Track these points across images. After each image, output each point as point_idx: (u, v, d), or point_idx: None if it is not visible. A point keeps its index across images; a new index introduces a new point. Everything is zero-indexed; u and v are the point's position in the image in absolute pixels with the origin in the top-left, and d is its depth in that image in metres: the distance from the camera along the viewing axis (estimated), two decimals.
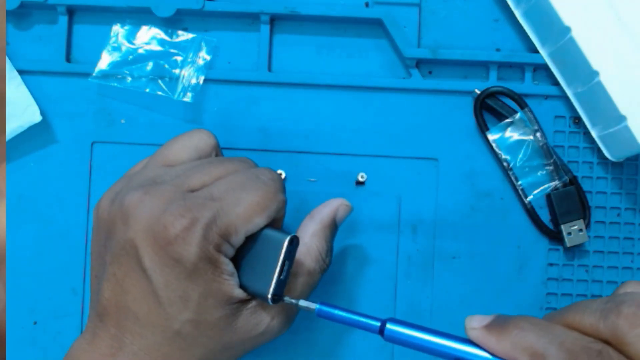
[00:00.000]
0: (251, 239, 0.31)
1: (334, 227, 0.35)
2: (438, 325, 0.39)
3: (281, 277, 0.31)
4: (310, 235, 0.34)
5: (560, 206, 0.39)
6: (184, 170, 0.32)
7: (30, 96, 0.39)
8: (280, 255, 0.31)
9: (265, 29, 0.40)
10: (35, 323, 0.40)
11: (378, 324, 0.30)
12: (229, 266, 0.30)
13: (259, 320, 0.32)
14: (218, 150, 0.35)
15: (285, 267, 0.31)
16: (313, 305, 0.31)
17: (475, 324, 0.28)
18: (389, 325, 0.29)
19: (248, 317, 0.31)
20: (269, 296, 0.31)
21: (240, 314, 0.31)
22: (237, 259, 0.32)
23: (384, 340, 0.30)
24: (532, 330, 0.26)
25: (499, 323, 0.27)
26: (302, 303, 0.31)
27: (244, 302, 0.31)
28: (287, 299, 0.32)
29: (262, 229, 0.32)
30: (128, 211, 0.30)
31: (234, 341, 0.31)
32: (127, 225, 0.30)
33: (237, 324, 0.31)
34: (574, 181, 0.40)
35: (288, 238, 0.31)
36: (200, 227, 0.29)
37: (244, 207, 0.30)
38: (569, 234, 0.39)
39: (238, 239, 0.31)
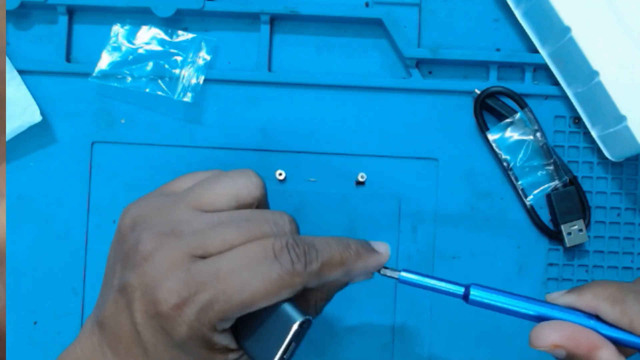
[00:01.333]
0: None
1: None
2: (438, 325, 0.40)
3: (285, 358, 0.29)
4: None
5: (560, 206, 0.39)
6: (207, 226, 0.29)
7: (30, 96, 0.39)
8: (287, 336, 0.29)
9: (265, 29, 0.40)
10: (35, 323, 0.40)
11: (462, 289, 0.31)
12: (224, 341, 0.29)
13: None
14: (263, 201, 0.31)
15: (291, 348, 0.30)
16: (396, 274, 0.31)
17: (555, 295, 0.31)
18: (473, 292, 0.31)
19: None
20: None
21: None
22: (242, 318, 0.29)
23: (468, 304, 0.31)
24: (611, 284, 0.29)
25: (576, 288, 0.30)
26: (385, 272, 0.31)
27: None
28: (383, 270, 0.31)
29: None
30: (138, 258, 0.29)
31: None
32: (134, 271, 0.29)
33: None
34: (574, 181, 0.40)
35: (298, 322, 0.29)
36: (193, 310, 0.27)
37: (249, 294, 0.28)
38: (569, 234, 0.39)
39: (236, 315, 0.29)
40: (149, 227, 0.29)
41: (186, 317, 0.27)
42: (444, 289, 0.31)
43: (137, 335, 0.29)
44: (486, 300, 0.31)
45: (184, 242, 0.29)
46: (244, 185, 0.30)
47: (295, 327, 0.29)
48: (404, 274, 0.31)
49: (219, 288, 0.27)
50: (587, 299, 0.29)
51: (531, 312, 0.30)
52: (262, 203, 0.31)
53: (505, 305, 0.31)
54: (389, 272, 0.31)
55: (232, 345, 0.29)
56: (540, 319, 0.30)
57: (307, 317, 0.29)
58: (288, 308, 0.29)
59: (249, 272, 0.28)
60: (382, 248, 0.31)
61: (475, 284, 0.31)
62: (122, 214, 0.31)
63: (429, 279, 0.31)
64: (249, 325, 0.30)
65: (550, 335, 0.29)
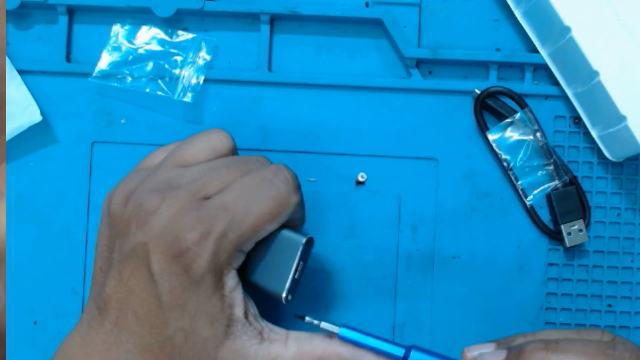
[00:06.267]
0: (266, 238, 0.32)
1: None
2: (437, 326, 0.40)
3: (295, 277, 0.32)
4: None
5: (560, 206, 0.39)
6: (200, 174, 0.32)
7: (30, 96, 0.39)
8: (296, 256, 0.32)
9: (265, 29, 0.40)
10: (35, 323, 0.40)
11: (402, 351, 0.32)
12: (232, 280, 0.31)
13: None
14: (235, 152, 0.35)
15: (300, 268, 0.32)
16: (336, 329, 0.32)
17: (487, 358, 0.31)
18: (413, 354, 0.32)
19: (233, 353, 0.31)
20: (284, 295, 0.32)
21: (226, 342, 0.31)
22: (250, 256, 0.32)
23: None
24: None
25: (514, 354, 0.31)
26: (324, 325, 0.32)
27: (232, 332, 0.31)
28: (308, 318, 0.32)
29: (277, 229, 0.32)
30: (145, 216, 0.31)
31: None
32: (142, 229, 0.30)
33: (221, 352, 0.31)
34: (574, 181, 0.40)
35: (304, 240, 0.32)
36: (212, 240, 0.30)
37: (255, 216, 0.31)
38: (569, 234, 0.39)
39: (249, 246, 0.32)
40: (145, 191, 0.31)
41: (207, 249, 0.30)
42: (383, 349, 0.32)
43: (152, 288, 0.30)
44: None
45: (185, 190, 0.31)
46: (217, 138, 0.33)
47: (302, 245, 0.32)
48: (343, 329, 0.32)
49: (230, 217, 0.30)
50: None
51: None
52: (235, 153, 0.34)
53: None
54: (327, 327, 0.32)
55: (239, 288, 0.31)
56: None
57: (310, 236, 0.32)
58: (288, 233, 0.32)
59: (251, 197, 0.31)
60: None
61: (416, 346, 0.32)
62: (108, 198, 0.33)
63: (369, 338, 0.32)
64: (256, 260, 0.32)
65: None
